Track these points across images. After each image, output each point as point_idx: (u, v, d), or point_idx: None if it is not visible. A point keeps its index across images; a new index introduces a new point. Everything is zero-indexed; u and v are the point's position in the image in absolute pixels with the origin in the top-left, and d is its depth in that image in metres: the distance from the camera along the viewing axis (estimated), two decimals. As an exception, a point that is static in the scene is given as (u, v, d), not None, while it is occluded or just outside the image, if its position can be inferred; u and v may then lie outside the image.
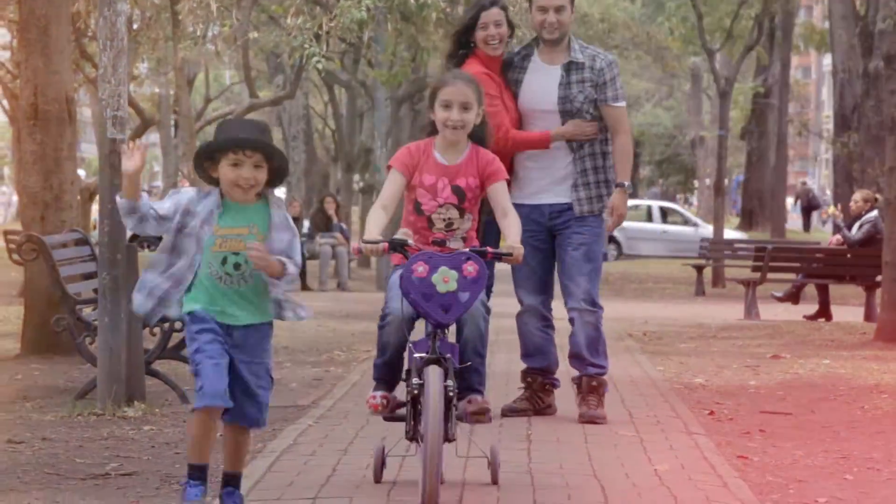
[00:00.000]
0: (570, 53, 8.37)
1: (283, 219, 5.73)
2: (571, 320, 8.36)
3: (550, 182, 8.38)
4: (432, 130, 6.74)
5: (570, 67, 8.34)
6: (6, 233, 18.00)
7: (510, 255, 6.27)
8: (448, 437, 6.12)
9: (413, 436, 6.15)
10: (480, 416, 6.53)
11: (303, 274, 23.91)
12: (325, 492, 6.28)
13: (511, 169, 8.38)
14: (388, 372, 6.56)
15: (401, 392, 6.43)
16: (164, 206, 5.67)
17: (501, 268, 7.56)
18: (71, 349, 10.33)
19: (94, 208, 24.24)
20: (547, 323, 8.48)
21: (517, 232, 6.48)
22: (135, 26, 23.50)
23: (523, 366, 8.61)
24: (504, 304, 8.56)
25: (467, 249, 6.28)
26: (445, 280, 6.06)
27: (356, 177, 36.46)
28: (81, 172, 40.38)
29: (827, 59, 60.10)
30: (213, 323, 5.65)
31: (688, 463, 7.14)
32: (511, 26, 8.40)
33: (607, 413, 8.36)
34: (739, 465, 7.31)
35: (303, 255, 23.82)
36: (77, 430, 8.18)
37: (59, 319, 9.61)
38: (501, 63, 8.38)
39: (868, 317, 17.41)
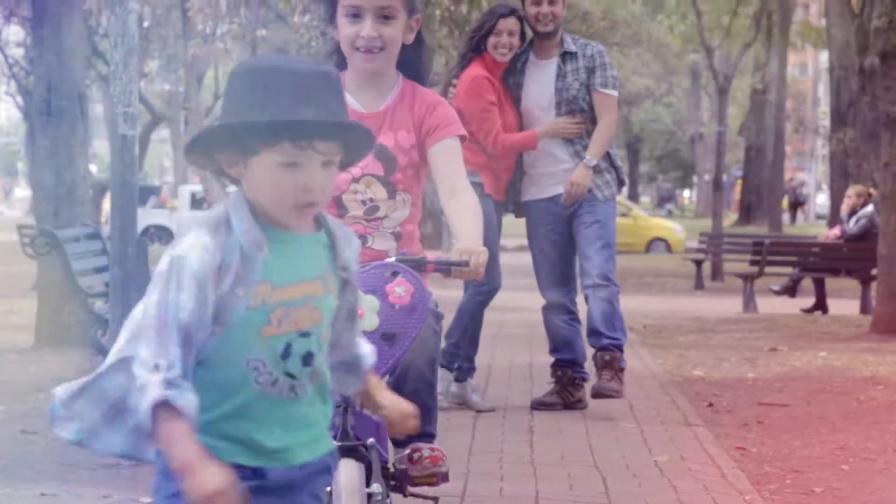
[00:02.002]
0: (563, 45, 8.47)
1: (356, 265, 3.03)
2: (587, 298, 8.28)
3: (560, 175, 8.41)
4: (339, 60, 4.32)
5: (564, 58, 8.42)
6: (20, 227, 18.14)
7: (465, 265, 3.82)
8: None
9: None
10: (430, 479, 4.31)
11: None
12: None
13: (514, 176, 8.52)
14: None
15: None
16: (187, 307, 2.80)
17: (517, 262, 7.00)
18: (83, 341, 10.41)
19: (106, 203, 24.38)
20: (572, 316, 8.49)
21: (474, 227, 3.98)
22: (146, 24, 23.63)
23: (550, 360, 8.62)
24: (519, 299, 8.36)
25: (392, 259, 3.93)
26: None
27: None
28: (93, 168, 40.46)
29: (823, 56, 60.09)
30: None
31: (687, 454, 7.20)
32: (524, 38, 8.47)
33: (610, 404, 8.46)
34: (738, 456, 7.39)
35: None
36: (89, 421, 8.28)
37: (71, 312, 9.74)
38: (504, 69, 8.44)
39: (864, 309, 17.53)
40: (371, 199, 4.23)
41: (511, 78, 8.51)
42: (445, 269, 3.90)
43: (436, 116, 4.21)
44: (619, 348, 8.29)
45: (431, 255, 3.98)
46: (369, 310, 3.77)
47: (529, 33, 8.58)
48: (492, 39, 8.37)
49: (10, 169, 76.32)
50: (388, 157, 4.23)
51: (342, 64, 4.31)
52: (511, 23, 8.38)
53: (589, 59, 8.41)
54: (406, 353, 3.87)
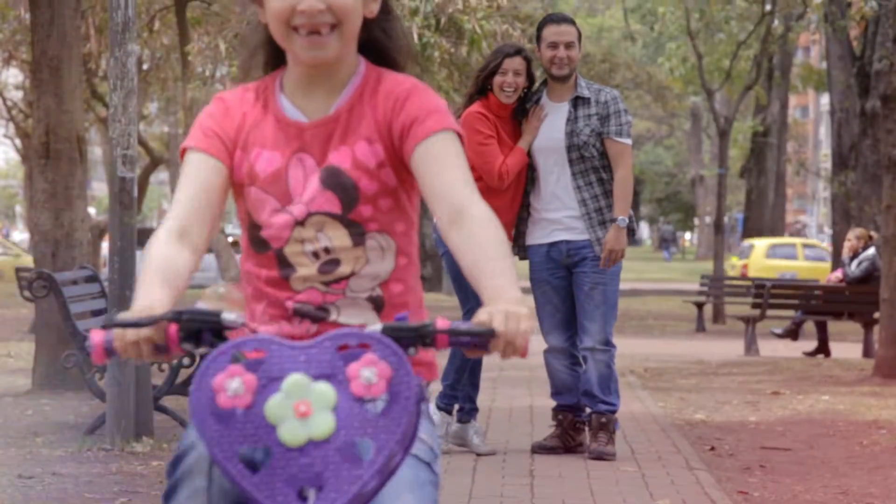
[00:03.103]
0: (577, 89, 8.45)
1: None
2: (584, 359, 8.36)
3: (565, 222, 8.38)
4: (270, 54, 2.88)
5: (576, 102, 8.39)
6: (18, 270, 18.14)
7: (491, 335, 2.45)
8: None
9: None
10: None
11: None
12: None
13: (519, 217, 8.49)
14: None
15: None
16: None
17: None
18: (80, 385, 10.40)
19: (104, 246, 24.41)
20: (574, 361, 8.47)
21: (501, 268, 2.56)
22: (145, 67, 23.73)
23: (552, 403, 8.59)
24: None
25: (375, 328, 2.47)
26: (303, 411, 2.39)
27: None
28: (92, 210, 40.59)
29: (824, 99, 60.41)
30: None
31: (689, 498, 7.17)
32: (531, 79, 8.41)
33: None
34: (740, 501, 7.35)
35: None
36: (86, 466, 8.20)
37: (68, 356, 9.70)
38: (513, 110, 8.39)
39: (866, 353, 17.50)
40: (326, 250, 2.77)
41: (521, 119, 8.47)
42: (466, 342, 2.48)
43: (409, 109, 2.75)
44: (613, 412, 8.37)
45: (443, 321, 2.50)
46: (319, 406, 2.39)
47: (537, 74, 8.56)
48: (497, 79, 8.33)
49: (9, 212, 76.54)
50: (343, 183, 2.75)
51: (276, 60, 2.89)
52: (517, 62, 8.34)
53: (602, 106, 8.37)
54: (382, 478, 2.41)
